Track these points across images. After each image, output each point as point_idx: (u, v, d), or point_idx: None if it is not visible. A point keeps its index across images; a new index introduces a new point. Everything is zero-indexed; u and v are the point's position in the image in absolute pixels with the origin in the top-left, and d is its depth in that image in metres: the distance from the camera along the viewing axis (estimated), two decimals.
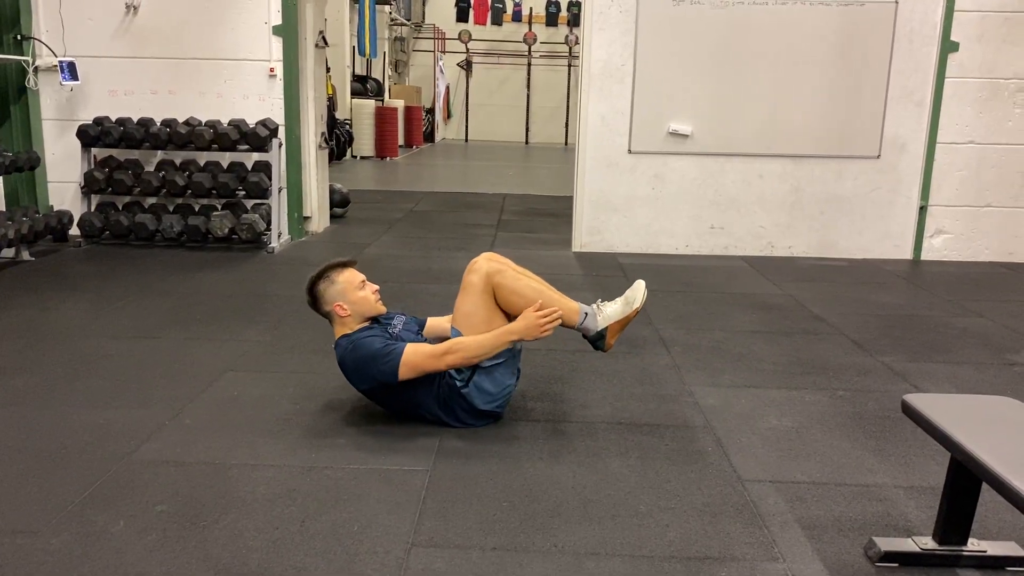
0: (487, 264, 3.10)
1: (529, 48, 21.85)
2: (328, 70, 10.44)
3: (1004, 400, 2.38)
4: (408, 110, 18.37)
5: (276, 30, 6.55)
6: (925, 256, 6.80)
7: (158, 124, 6.54)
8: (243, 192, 6.51)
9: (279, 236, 6.67)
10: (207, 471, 2.73)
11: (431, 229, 7.83)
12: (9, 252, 5.85)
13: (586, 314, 3.12)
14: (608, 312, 3.14)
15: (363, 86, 16.64)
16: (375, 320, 3.18)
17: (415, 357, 2.96)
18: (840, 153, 6.67)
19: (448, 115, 22.79)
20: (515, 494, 2.62)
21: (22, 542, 2.28)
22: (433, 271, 5.94)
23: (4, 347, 3.98)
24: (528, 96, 22.38)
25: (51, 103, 6.66)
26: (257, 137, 6.41)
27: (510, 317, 3.06)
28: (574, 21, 19.80)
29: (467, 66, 22.46)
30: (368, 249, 6.71)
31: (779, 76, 6.57)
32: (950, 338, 4.54)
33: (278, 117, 6.63)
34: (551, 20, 21.17)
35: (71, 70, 6.43)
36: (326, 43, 7.45)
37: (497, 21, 20.87)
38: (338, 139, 14.01)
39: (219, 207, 6.63)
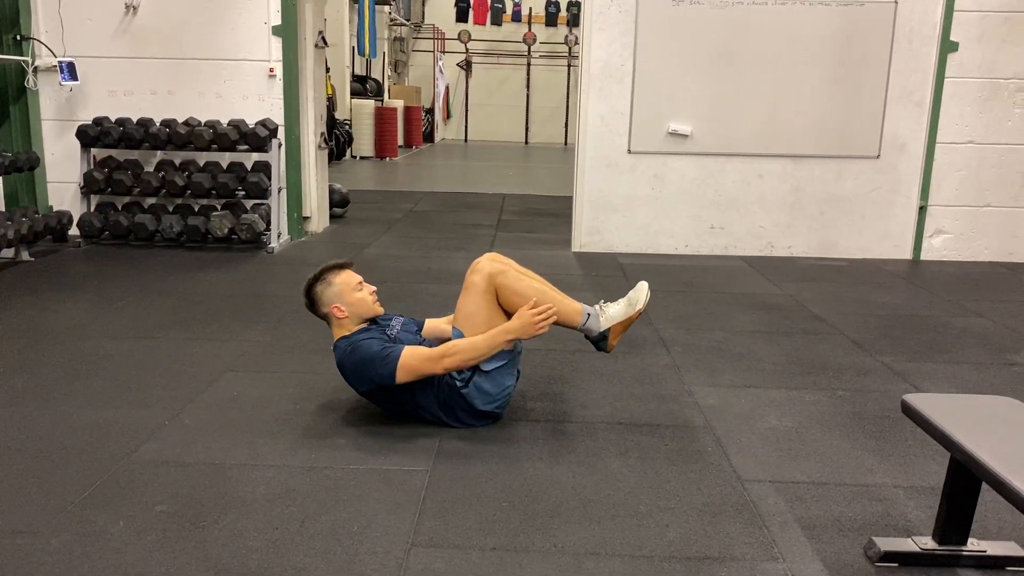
0: (490, 264, 3.10)
1: (529, 48, 21.84)
2: (328, 70, 10.43)
3: (1004, 400, 2.38)
4: (408, 110, 18.37)
5: (276, 30, 6.55)
6: (925, 256, 6.80)
7: (158, 124, 6.54)
8: (243, 192, 6.51)
9: (279, 236, 6.67)
10: (207, 471, 2.73)
11: (431, 229, 7.82)
12: (9, 252, 5.85)
13: (589, 315, 3.12)
14: (611, 313, 3.14)
15: (363, 86, 16.64)
16: (373, 321, 3.18)
17: (413, 360, 2.95)
18: (840, 153, 6.67)
19: (448, 115, 22.78)
20: (515, 494, 2.62)
21: (22, 542, 2.28)
22: (433, 271, 5.94)
23: (4, 347, 3.98)
24: (528, 96, 22.37)
25: (51, 103, 6.66)
26: (257, 137, 6.41)
27: (511, 318, 3.06)
28: (574, 21, 19.79)
29: (467, 66, 22.46)
30: (368, 249, 6.70)
31: (779, 76, 6.57)
32: (950, 338, 4.55)
33: (278, 117, 6.63)
34: (551, 20, 21.16)
35: (70, 70, 6.43)
36: (326, 43, 7.45)
37: (497, 21, 20.85)
38: (338, 139, 14.01)
39: (219, 207, 6.63)
